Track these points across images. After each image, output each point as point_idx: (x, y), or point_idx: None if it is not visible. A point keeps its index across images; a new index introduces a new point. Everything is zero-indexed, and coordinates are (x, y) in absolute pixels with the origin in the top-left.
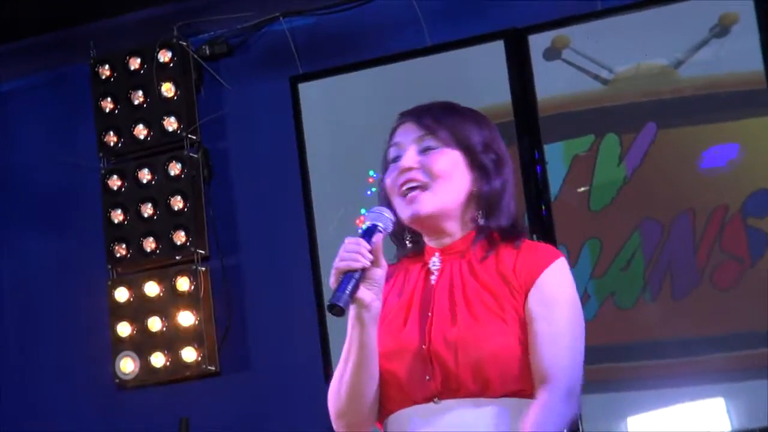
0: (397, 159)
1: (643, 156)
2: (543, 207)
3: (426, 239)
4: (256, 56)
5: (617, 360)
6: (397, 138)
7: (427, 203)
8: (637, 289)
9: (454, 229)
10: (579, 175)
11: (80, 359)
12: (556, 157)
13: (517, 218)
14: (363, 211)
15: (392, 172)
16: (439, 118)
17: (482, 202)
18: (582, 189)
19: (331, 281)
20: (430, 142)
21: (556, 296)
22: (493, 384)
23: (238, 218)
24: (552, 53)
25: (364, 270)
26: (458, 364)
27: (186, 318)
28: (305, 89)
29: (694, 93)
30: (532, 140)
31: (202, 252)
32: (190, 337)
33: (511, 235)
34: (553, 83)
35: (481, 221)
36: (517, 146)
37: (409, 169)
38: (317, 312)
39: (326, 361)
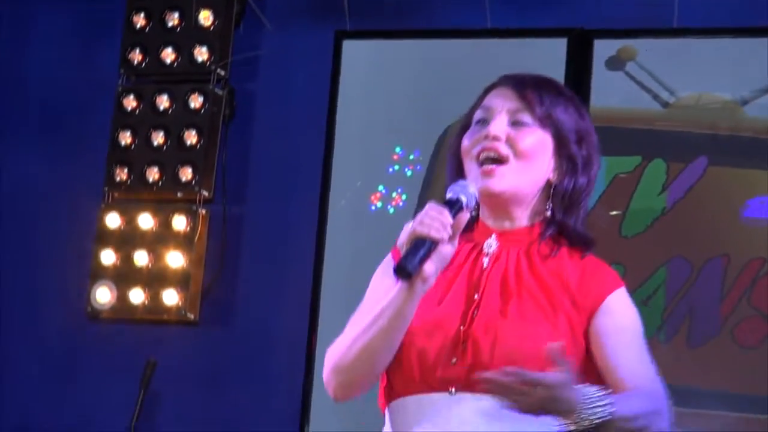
0: (483, 123)
1: (687, 189)
2: None
3: (483, 216)
4: (306, 1)
5: None
6: (488, 102)
7: (502, 181)
8: (653, 327)
9: (520, 216)
10: (616, 196)
11: (55, 280)
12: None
13: (586, 230)
14: (381, 187)
15: (474, 135)
16: (541, 95)
17: (559, 196)
18: (614, 213)
19: (400, 240)
20: (525, 117)
21: (628, 318)
22: None
23: (251, 166)
24: (615, 63)
25: (438, 242)
26: (493, 354)
27: (175, 259)
28: (349, 47)
29: (754, 135)
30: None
31: (206, 194)
32: (176, 279)
33: (580, 243)
34: (609, 94)
35: (552, 215)
36: None
37: (495, 138)
38: (313, 278)
39: (312, 331)
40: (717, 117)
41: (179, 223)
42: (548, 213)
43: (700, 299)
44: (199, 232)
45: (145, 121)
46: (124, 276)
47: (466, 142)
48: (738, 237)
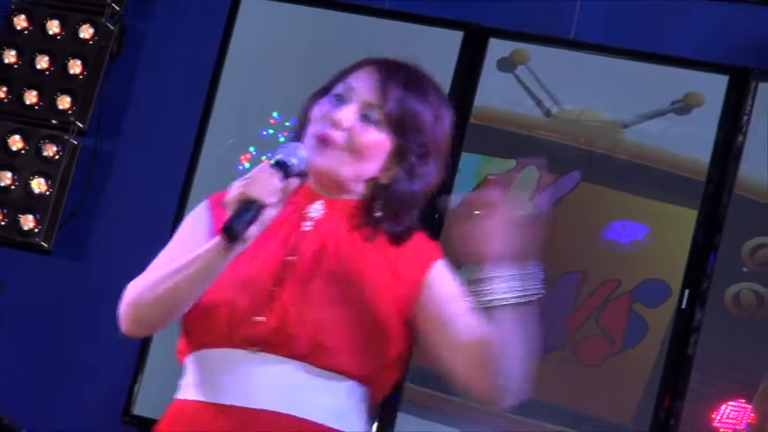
0: (339, 99)
1: (555, 201)
2: (436, 215)
3: (309, 180)
4: None
5: (445, 390)
6: (352, 80)
7: (326, 162)
8: None
9: (345, 192)
10: None
11: None
12: (469, 169)
13: (413, 224)
14: (252, 149)
15: (326, 107)
16: (402, 99)
17: (388, 198)
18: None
19: (229, 197)
20: (375, 114)
21: (455, 285)
22: (323, 354)
23: (130, 106)
24: (506, 65)
25: (266, 206)
26: (301, 319)
27: (38, 185)
28: (247, 3)
29: (629, 158)
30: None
31: (81, 126)
32: (35, 206)
33: (401, 237)
34: (495, 95)
35: (377, 213)
36: None
37: (338, 124)
38: (172, 225)
39: None
40: (596, 135)
41: (49, 150)
42: (376, 213)
43: (549, 309)
44: (67, 162)
45: (32, 43)
46: None
47: (316, 110)
48: (596, 256)
